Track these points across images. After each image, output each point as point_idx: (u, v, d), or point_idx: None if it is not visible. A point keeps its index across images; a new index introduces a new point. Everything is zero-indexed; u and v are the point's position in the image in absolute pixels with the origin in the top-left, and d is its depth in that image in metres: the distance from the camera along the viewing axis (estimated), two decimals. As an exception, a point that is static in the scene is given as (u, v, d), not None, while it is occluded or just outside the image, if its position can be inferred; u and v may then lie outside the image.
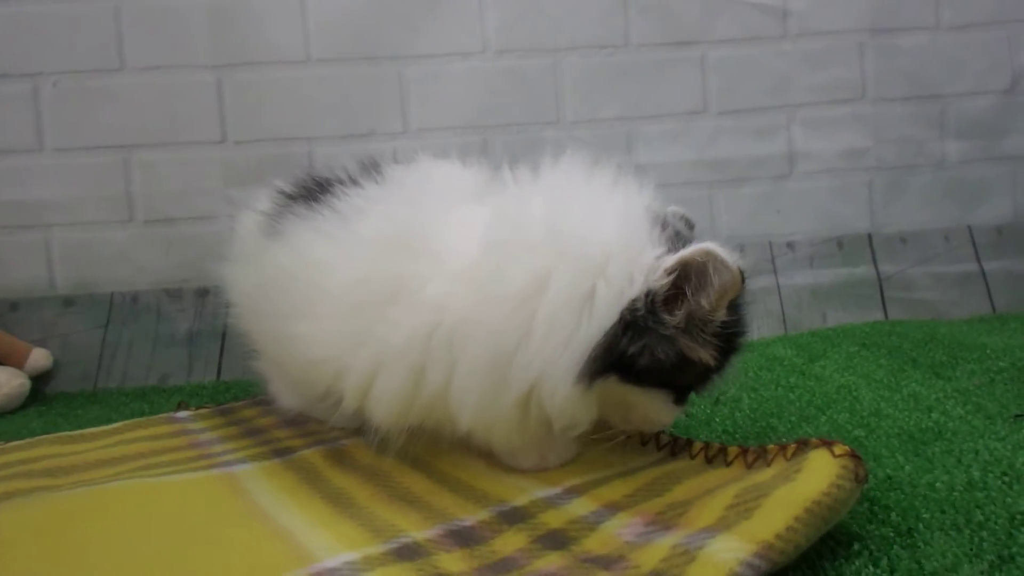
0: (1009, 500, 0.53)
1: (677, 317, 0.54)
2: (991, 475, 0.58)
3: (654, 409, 0.59)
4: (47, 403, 1.13)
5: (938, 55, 1.31)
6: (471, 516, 0.55)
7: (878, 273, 1.30)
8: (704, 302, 0.54)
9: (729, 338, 0.57)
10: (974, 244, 1.33)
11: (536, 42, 1.28)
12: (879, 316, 1.27)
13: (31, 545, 0.54)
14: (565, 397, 0.55)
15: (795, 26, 1.30)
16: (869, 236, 1.33)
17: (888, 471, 0.60)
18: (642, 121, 1.30)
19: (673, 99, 1.30)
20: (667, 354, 0.55)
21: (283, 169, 1.20)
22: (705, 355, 0.56)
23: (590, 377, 0.54)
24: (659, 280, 0.54)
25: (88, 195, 1.24)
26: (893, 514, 0.53)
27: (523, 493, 0.58)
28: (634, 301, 0.54)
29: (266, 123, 1.26)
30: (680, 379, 0.58)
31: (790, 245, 1.32)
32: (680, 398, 0.59)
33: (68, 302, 1.25)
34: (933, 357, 0.97)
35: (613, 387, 0.57)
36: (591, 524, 0.52)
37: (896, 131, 1.32)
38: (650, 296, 0.54)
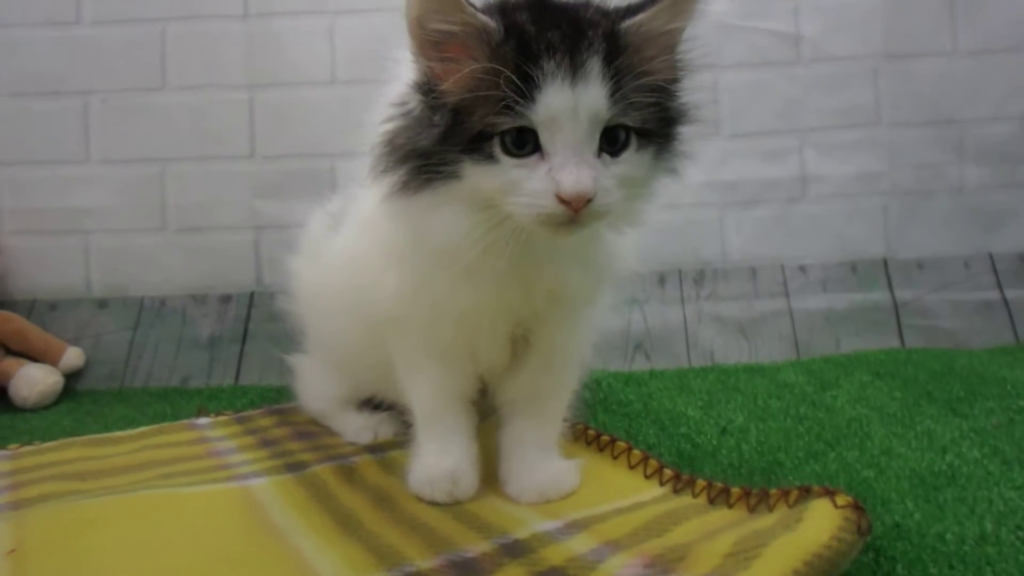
0: (1022, 558, 0.52)
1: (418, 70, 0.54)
2: (1004, 528, 0.57)
3: (499, 176, 0.52)
4: (77, 400, 1.17)
5: (955, 80, 1.31)
6: (473, 547, 0.56)
7: (894, 299, 1.30)
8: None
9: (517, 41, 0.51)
10: (995, 271, 1.31)
11: None
12: (895, 342, 1.26)
13: (55, 549, 0.58)
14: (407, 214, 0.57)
15: (808, 51, 1.31)
16: (884, 261, 1.32)
17: (896, 518, 0.60)
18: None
19: (684, 121, 1.32)
20: (435, 98, 0.53)
21: (306, 183, 1.27)
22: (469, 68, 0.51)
23: (401, 186, 0.55)
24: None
25: (126, 204, 1.31)
26: (899, 566, 0.52)
27: (524, 525, 0.60)
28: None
29: (292, 139, 1.31)
30: (483, 115, 0.51)
31: (803, 268, 1.32)
32: (518, 141, 0.52)
33: (102, 304, 1.31)
34: (950, 391, 0.95)
35: (455, 187, 0.54)
36: (591, 563, 0.53)
37: (912, 156, 1.32)
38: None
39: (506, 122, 0.51)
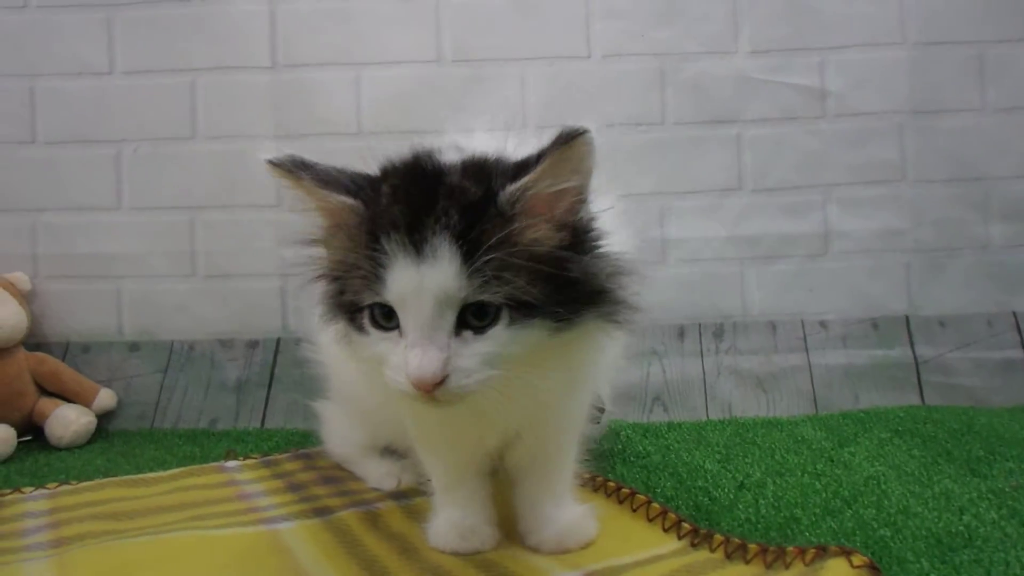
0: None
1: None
2: (1019, 593, 0.57)
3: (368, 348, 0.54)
4: (109, 440, 1.21)
5: (982, 137, 1.32)
6: (495, 596, 0.58)
7: (915, 356, 1.30)
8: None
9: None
10: (1019, 330, 1.31)
11: (574, 118, 1.32)
12: (915, 399, 1.26)
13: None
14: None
15: (833, 106, 1.33)
16: (906, 318, 1.32)
17: (912, 578, 0.60)
18: (675, 196, 1.33)
19: (708, 175, 1.33)
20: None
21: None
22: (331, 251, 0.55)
23: (339, 335, 0.57)
24: None
25: (156, 250, 1.35)
26: (912, 625, 0.53)
27: (544, 575, 0.61)
28: None
29: (319, 190, 1.35)
30: (353, 288, 0.52)
31: (823, 324, 1.33)
32: (385, 314, 0.52)
33: (133, 347, 1.34)
34: (969, 451, 0.95)
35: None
36: (608, 613, 0.54)
37: (937, 213, 1.33)
38: None
39: (368, 297, 0.51)
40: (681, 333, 1.33)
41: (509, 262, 0.49)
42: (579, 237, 0.53)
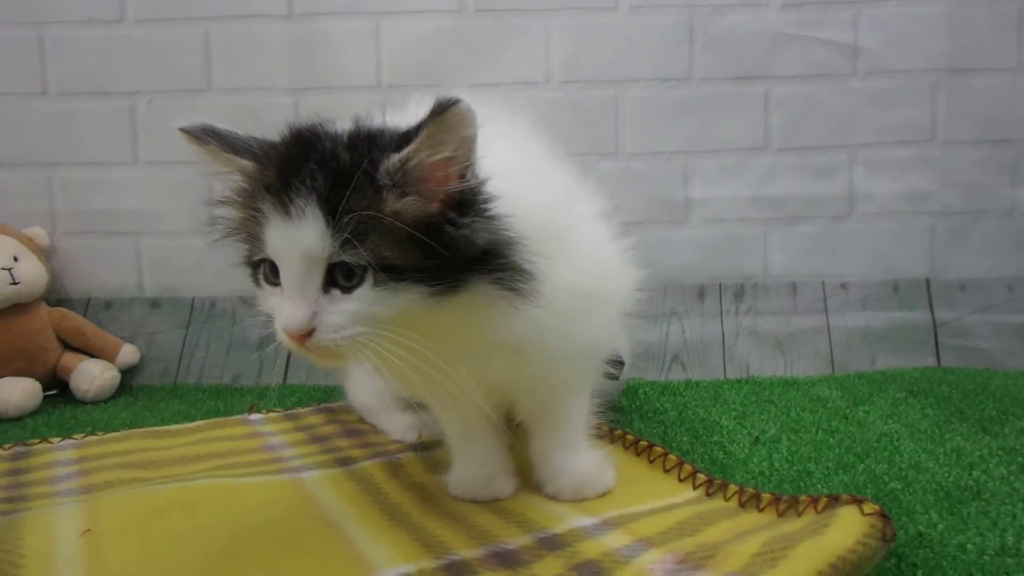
0: (1041, 570, 0.54)
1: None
2: (1025, 541, 0.59)
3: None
4: (133, 395, 1.23)
5: (1016, 98, 1.28)
6: (514, 540, 0.59)
7: (934, 319, 1.29)
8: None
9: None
10: (1039, 294, 1.30)
11: (599, 74, 1.31)
12: (931, 362, 1.25)
13: (129, 535, 0.62)
14: None
15: (865, 64, 1.29)
16: (927, 281, 1.31)
17: (920, 528, 0.62)
18: (700, 155, 1.31)
19: (734, 134, 1.31)
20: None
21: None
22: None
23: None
24: None
25: (174, 206, 1.33)
26: (920, 572, 0.54)
27: (561, 521, 0.63)
28: None
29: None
30: (249, 244, 0.57)
31: (844, 286, 1.32)
32: (274, 270, 0.54)
33: (155, 304, 1.36)
34: (982, 411, 0.96)
35: None
36: (625, 557, 0.55)
37: (965, 176, 1.30)
38: None
39: (256, 253, 0.55)
40: (701, 293, 1.33)
41: (373, 225, 0.51)
42: (463, 202, 0.53)
